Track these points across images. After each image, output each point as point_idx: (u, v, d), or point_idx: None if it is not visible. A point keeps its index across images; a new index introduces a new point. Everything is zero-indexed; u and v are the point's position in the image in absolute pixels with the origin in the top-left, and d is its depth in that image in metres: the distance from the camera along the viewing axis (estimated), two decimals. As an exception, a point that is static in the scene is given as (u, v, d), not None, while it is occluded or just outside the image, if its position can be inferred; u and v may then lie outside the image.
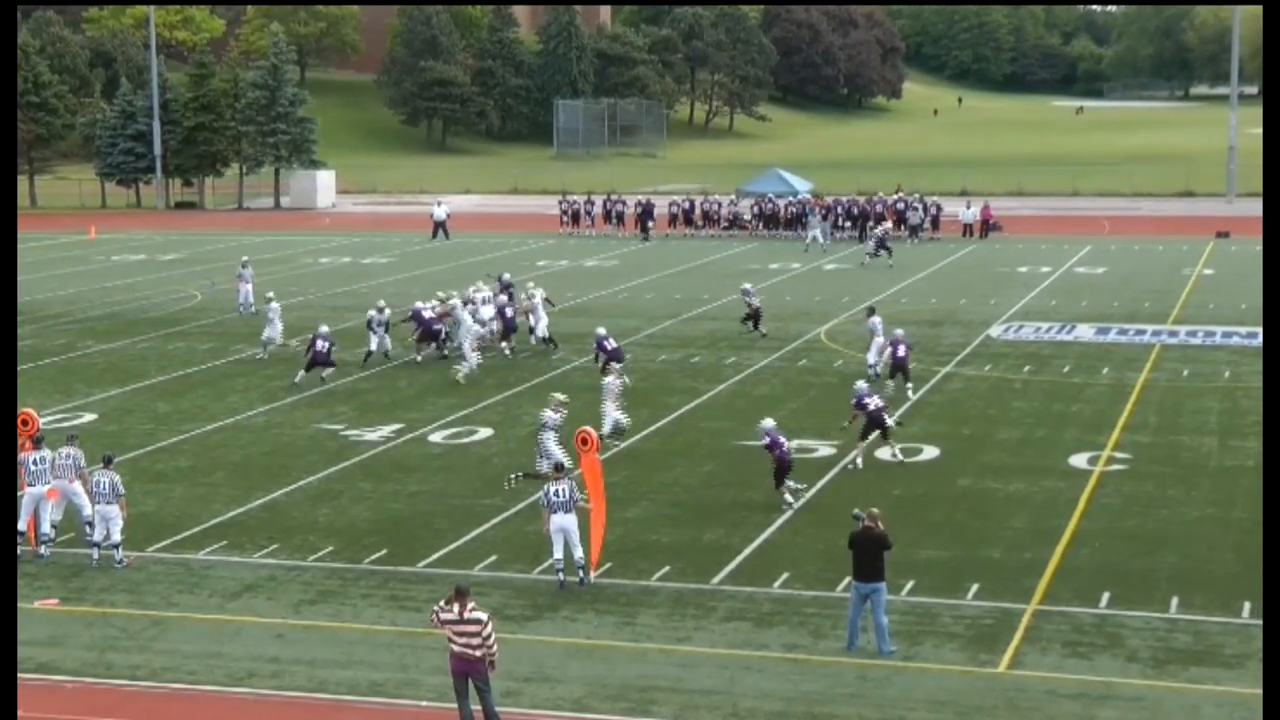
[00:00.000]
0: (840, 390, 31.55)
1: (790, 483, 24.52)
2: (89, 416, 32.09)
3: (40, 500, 22.68)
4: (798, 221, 67.91)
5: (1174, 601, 19.92)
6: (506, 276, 42.65)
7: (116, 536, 22.06)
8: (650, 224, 69.56)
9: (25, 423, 23.37)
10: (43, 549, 22.58)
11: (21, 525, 22.56)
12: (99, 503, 22.17)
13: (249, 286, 45.89)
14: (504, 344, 38.09)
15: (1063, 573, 21.14)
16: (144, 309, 47.89)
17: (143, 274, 57.56)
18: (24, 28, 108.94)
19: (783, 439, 24.81)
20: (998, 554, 22.06)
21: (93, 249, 67.84)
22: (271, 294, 41.40)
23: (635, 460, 27.78)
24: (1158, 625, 19.14)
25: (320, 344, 34.67)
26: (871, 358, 34.44)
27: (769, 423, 25.01)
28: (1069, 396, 32.89)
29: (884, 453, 27.28)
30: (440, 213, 69.77)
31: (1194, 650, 18.31)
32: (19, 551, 22.19)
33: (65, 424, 30.95)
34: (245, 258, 48.54)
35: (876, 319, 34.98)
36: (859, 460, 26.96)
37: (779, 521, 23.75)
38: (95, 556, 22.17)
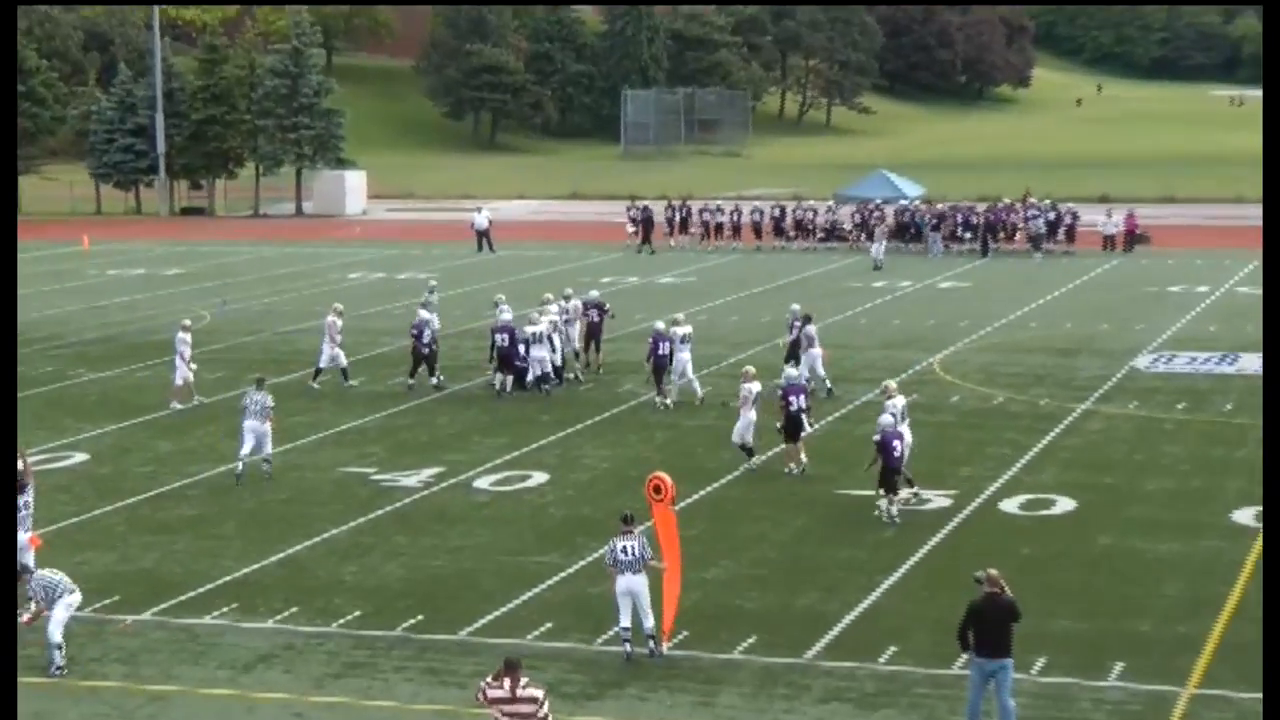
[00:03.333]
0: (958, 430, 31.17)
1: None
2: (80, 456, 32.40)
3: (23, 548, 22.83)
4: (906, 231, 67.85)
5: (1359, 685, 19.62)
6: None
7: (269, 450, 29.39)
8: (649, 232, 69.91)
9: None
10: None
11: None
12: (250, 419, 29.14)
13: (433, 316, 41.66)
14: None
15: (1225, 649, 20.88)
16: (144, 331, 48.38)
17: (143, 291, 58.23)
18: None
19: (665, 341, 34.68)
20: (1146, 626, 21.85)
21: (86, 261, 68.76)
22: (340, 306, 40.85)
23: (716, 512, 27.73)
24: (1340, 713, 18.86)
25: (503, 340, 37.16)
26: (820, 370, 36.63)
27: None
28: (1231, 440, 32.55)
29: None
30: (481, 220, 70.11)
31: (1384, 744, 18.02)
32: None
33: (52, 465, 31.30)
34: (433, 284, 46.55)
35: (811, 328, 37.21)
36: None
37: (885, 584, 23.63)
38: (240, 470, 29.10)
